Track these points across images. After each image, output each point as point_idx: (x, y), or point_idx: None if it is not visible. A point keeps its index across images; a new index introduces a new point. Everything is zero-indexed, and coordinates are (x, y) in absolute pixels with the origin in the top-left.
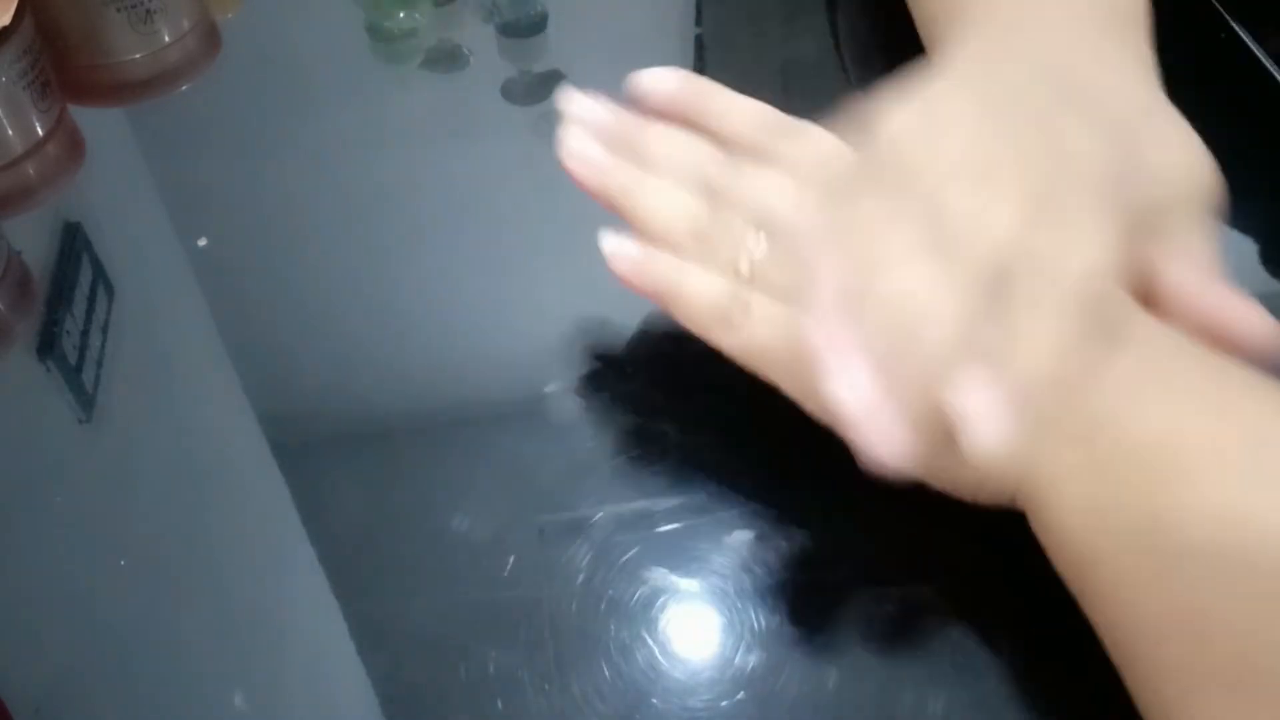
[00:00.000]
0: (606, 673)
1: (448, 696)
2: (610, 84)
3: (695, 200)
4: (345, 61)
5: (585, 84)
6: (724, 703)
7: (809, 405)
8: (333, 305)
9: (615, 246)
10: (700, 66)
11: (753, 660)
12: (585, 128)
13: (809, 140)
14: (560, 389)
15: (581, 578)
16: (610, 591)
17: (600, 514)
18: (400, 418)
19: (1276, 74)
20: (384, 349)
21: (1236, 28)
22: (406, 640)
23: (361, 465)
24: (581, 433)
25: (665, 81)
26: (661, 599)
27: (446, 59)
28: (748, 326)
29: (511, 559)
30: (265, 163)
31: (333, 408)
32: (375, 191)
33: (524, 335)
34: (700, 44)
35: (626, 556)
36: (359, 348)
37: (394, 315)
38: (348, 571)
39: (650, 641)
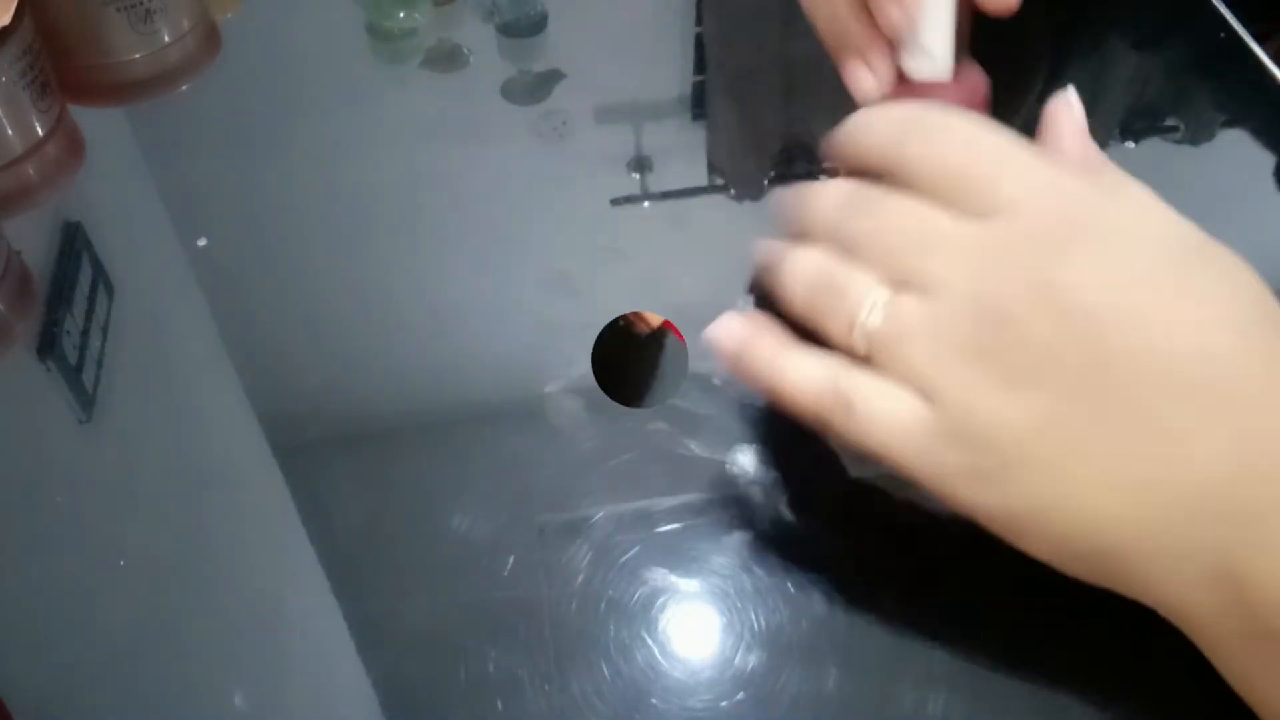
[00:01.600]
0: (606, 672)
1: (448, 696)
2: (610, 83)
3: (822, 259)
4: (345, 61)
5: (585, 84)
6: (724, 703)
7: (935, 492)
8: (332, 305)
9: (716, 329)
10: (700, 66)
11: (753, 660)
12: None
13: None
14: (560, 389)
15: (581, 578)
16: (610, 591)
17: (600, 514)
18: (400, 417)
19: (1277, 74)
20: (384, 349)
21: (1237, 27)
22: (406, 640)
23: (361, 465)
24: (581, 433)
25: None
26: (661, 599)
27: (446, 59)
28: (855, 418)
29: (511, 559)
30: (265, 163)
31: (333, 408)
32: (375, 191)
33: (523, 335)
34: (700, 44)
35: (626, 556)
36: (359, 347)
37: (394, 315)
38: (347, 571)
39: (650, 641)
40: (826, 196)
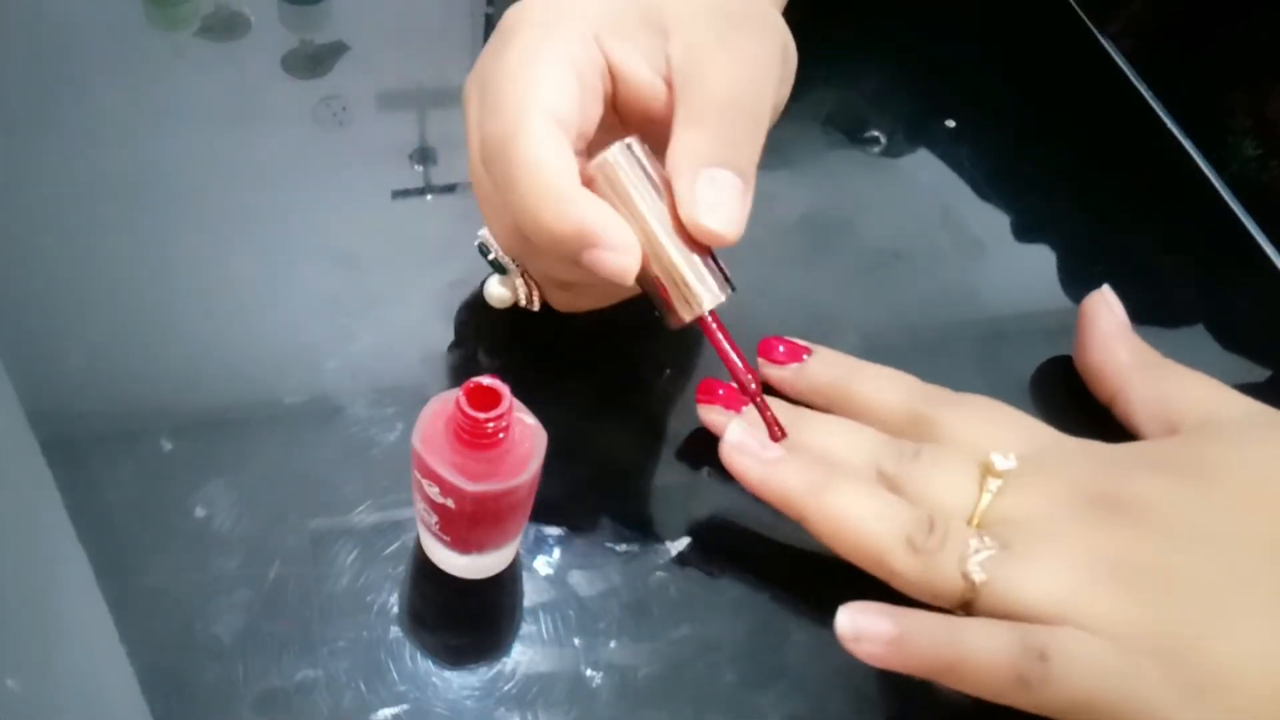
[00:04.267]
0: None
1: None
2: (395, 64)
3: (896, 501)
4: (118, 27)
5: (369, 61)
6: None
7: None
8: (99, 290)
9: (860, 626)
10: None
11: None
12: (742, 429)
13: (980, 412)
14: (331, 381)
15: (347, 577)
16: (383, 587)
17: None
18: (170, 415)
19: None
20: (151, 335)
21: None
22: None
23: (130, 462)
24: (348, 429)
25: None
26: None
27: (226, 26)
28: (1051, 677)
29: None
30: (28, 140)
31: (104, 404)
32: (145, 173)
33: (300, 326)
34: (491, 26)
35: (389, 550)
36: (131, 341)
37: (163, 301)
38: (114, 560)
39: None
40: (854, 438)
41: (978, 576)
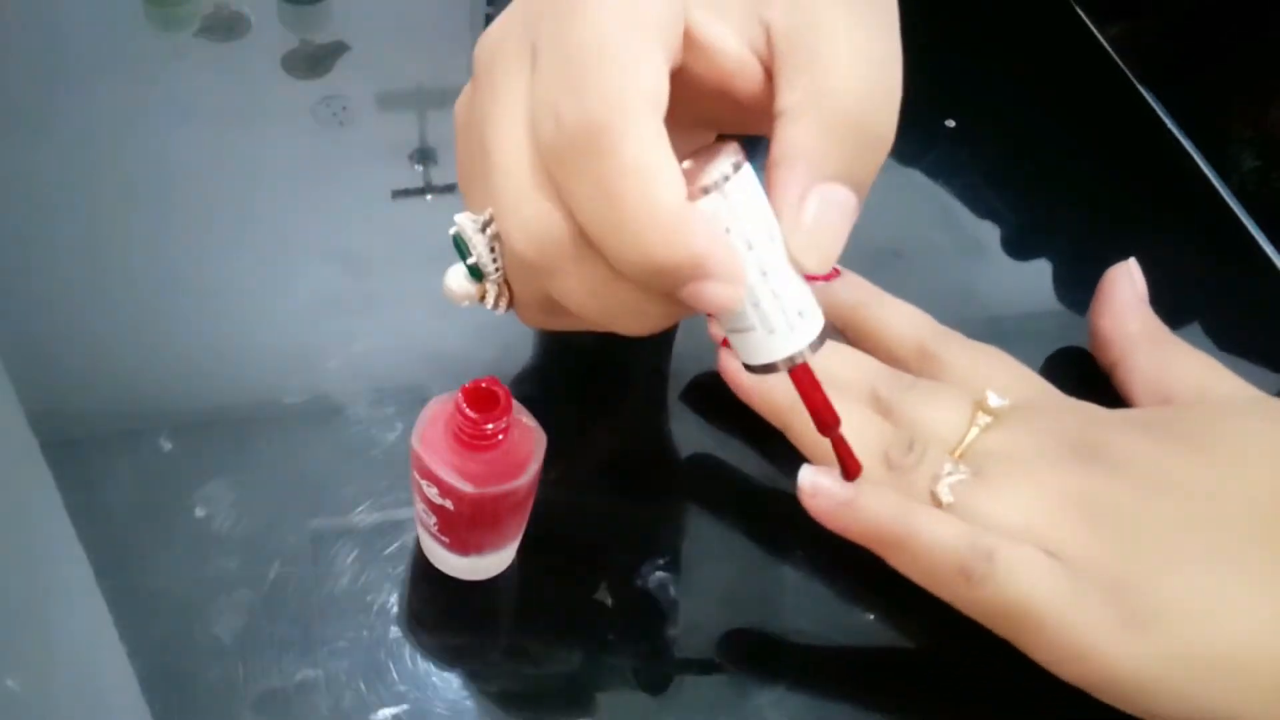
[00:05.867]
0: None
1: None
2: (395, 64)
3: (879, 421)
4: (117, 27)
5: (369, 62)
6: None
7: (1076, 650)
8: (98, 291)
9: (815, 483)
10: None
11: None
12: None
13: (982, 355)
14: (331, 381)
15: (347, 577)
16: (383, 587)
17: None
18: (170, 415)
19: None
20: (151, 336)
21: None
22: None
23: (130, 462)
24: (348, 429)
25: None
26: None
27: (225, 26)
28: (996, 571)
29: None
30: (27, 139)
31: (104, 404)
32: (143, 173)
33: (300, 326)
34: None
35: (389, 550)
36: (131, 341)
37: (162, 301)
38: (114, 560)
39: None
40: (856, 361)
41: (945, 498)
